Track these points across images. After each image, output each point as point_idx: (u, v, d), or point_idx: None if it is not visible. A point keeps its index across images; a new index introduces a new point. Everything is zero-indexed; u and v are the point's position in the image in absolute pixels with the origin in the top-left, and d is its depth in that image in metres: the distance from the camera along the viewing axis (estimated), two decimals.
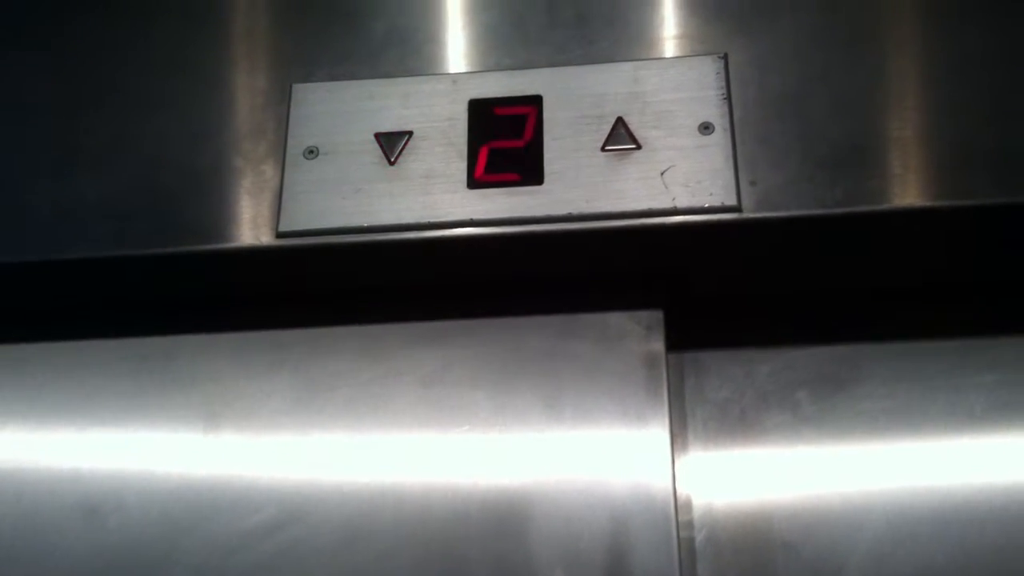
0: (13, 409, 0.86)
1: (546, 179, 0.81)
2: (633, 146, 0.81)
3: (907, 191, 0.78)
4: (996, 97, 0.79)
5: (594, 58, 0.85)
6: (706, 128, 0.81)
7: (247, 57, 0.92)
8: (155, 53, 0.91)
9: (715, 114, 0.81)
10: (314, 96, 0.87)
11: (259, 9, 0.94)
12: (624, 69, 0.84)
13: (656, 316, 0.81)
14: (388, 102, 0.86)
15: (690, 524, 0.78)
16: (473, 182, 0.82)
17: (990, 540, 0.74)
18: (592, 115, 0.83)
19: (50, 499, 0.82)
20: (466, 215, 0.81)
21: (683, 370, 0.83)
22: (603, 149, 0.82)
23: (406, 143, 0.84)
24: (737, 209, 0.78)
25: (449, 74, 0.87)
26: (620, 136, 0.82)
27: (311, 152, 0.85)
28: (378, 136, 0.85)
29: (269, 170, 0.85)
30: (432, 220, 0.81)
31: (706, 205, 0.79)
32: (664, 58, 0.85)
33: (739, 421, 0.81)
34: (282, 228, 0.83)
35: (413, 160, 0.84)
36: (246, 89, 0.90)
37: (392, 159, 0.84)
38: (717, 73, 0.83)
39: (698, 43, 0.85)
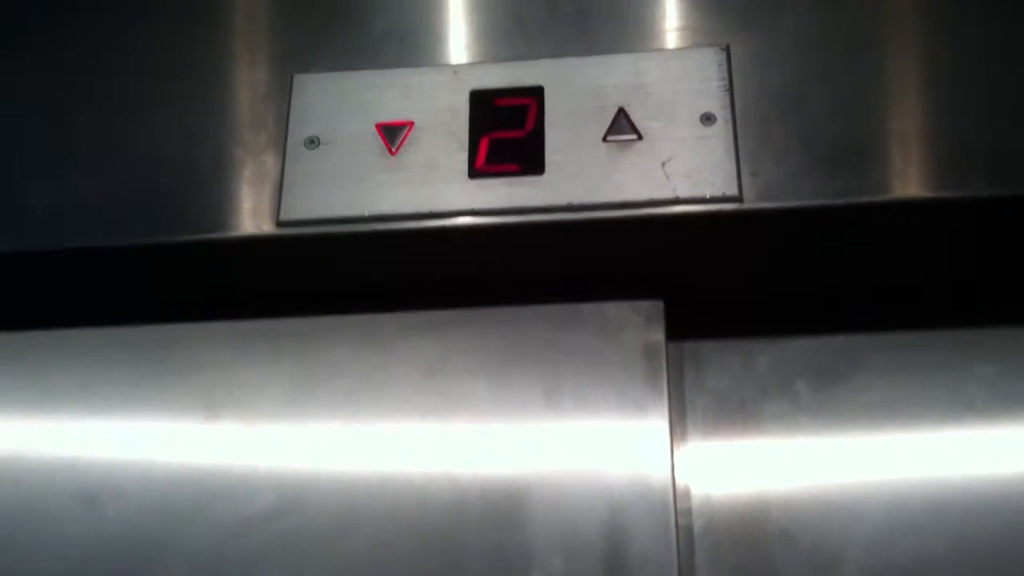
0: (12, 397, 0.86)
1: (547, 169, 0.81)
2: (634, 137, 0.82)
3: (907, 183, 0.79)
4: (995, 93, 0.79)
5: (595, 50, 0.85)
6: (708, 119, 0.81)
7: (248, 48, 0.92)
8: (156, 45, 0.91)
9: (717, 105, 0.82)
10: (315, 87, 0.88)
11: (260, 1, 0.94)
12: (625, 60, 0.85)
13: (656, 306, 0.81)
14: (389, 93, 0.86)
15: (688, 513, 0.78)
16: (474, 172, 0.82)
17: (989, 531, 0.75)
18: (593, 106, 0.83)
19: (49, 487, 0.82)
20: (467, 205, 0.81)
21: (683, 360, 0.83)
22: (604, 140, 0.82)
23: (407, 134, 0.85)
24: (738, 200, 0.78)
25: (450, 65, 0.87)
26: (621, 127, 0.82)
27: (312, 142, 0.86)
28: (379, 127, 0.85)
29: (270, 160, 0.86)
30: (433, 210, 0.82)
31: (707, 196, 0.79)
32: (666, 49, 0.85)
33: (738, 411, 0.81)
34: (283, 217, 0.83)
35: (414, 151, 0.84)
36: (247, 80, 0.90)
37: (393, 150, 0.84)
38: (719, 65, 0.83)
39: (700, 35, 0.85)
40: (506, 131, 0.84)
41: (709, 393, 0.82)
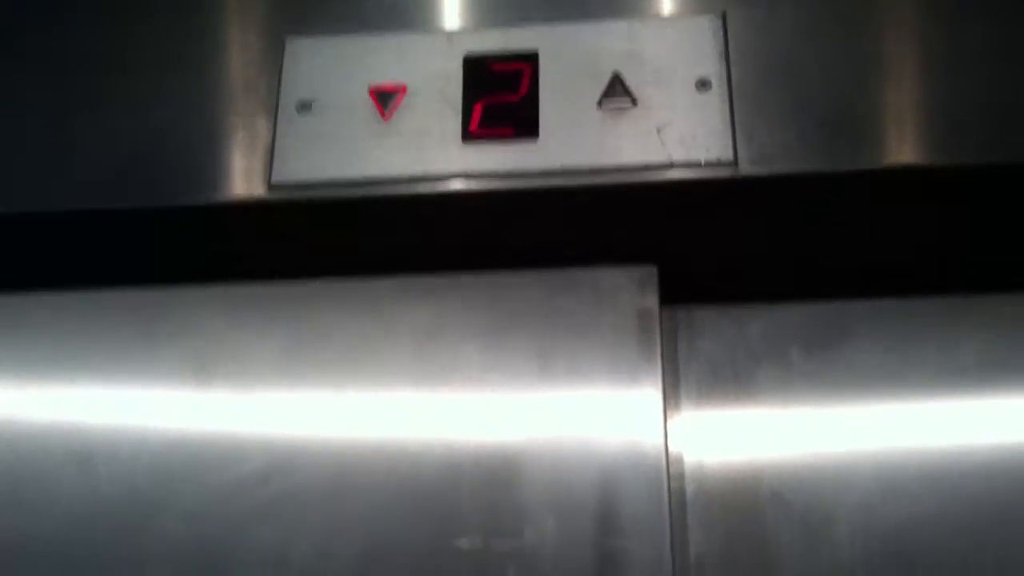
0: (4, 358, 0.85)
1: (541, 134, 0.81)
2: (629, 102, 0.81)
3: (901, 151, 0.79)
4: (989, 62, 0.79)
5: (590, 15, 0.85)
6: (703, 85, 0.81)
7: (240, 12, 0.91)
8: (149, 10, 0.90)
9: (713, 71, 0.81)
10: (308, 50, 0.87)
11: None
12: (621, 26, 0.84)
13: (650, 272, 0.81)
14: (382, 57, 0.86)
15: (681, 477, 0.78)
16: (468, 136, 0.82)
17: (979, 494, 0.75)
18: (588, 71, 0.83)
19: (42, 449, 0.82)
20: (460, 169, 0.81)
21: (677, 326, 0.83)
22: (599, 105, 0.82)
23: (400, 98, 0.84)
24: (733, 166, 0.78)
25: (444, 30, 0.86)
26: (616, 92, 0.82)
27: (304, 107, 0.85)
28: (372, 91, 0.84)
29: (262, 125, 0.85)
30: (426, 174, 0.81)
31: (702, 161, 0.79)
32: (662, 16, 0.85)
33: (732, 376, 0.81)
34: (275, 181, 0.83)
35: (407, 115, 0.83)
36: (239, 44, 0.89)
37: (386, 114, 0.84)
38: (715, 31, 0.83)
39: (696, 2, 0.85)
40: (500, 96, 0.83)
41: (702, 359, 0.82)
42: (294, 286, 0.86)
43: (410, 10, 0.88)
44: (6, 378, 0.85)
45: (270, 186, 0.82)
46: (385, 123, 0.83)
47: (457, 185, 0.81)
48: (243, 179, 0.84)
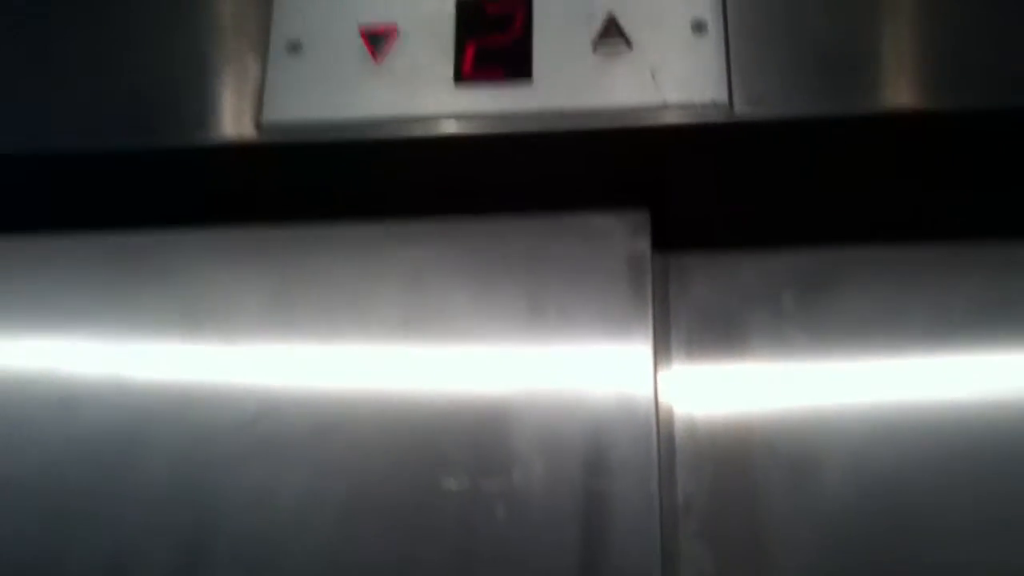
0: None
1: (535, 76, 0.80)
2: (624, 44, 0.80)
3: (899, 95, 0.77)
4: (990, 4, 0.77)
5: None
6: (699, 27, 0.80)
7: None
8: None
9: (709, 13, 0.80)
10: None
11: None
12: None
13: (643, 217, 0.80)
14: None
15: (670, 419, 0.78)
16: (460, 78, 0.80)
17: (968, 440, 0.75)
18: (583, 13, 0.81)
19: (26, 392, 0.82)
20: (452, 110, 0.80)
21: (668, 271, 0.82)
22: (594, 47, 0.80)
23: (391, 39, 0.82)
24: (728, 108, 0.77)
25: None
26: (611, 34, 0.80)
27: (294, 47, 0.83)
28: (362, 31, 0.83)
29: (252, 65, 0.84)
30: (417, 115, 0.80)
31: (697, 103, 0.77)
32: None
33: (723, 322, 0.80)
34: (264, 121, 0.81)
35: (398, 56, 0.82)
36: None
37: (377, 55, 0.82)
38: None
39: None
40: (493, 38, 0.82)
41: (694, 304, 0.81)
42: (282, 230, 0.85)
43: None
44: None
45: (259, 127, 0.81)
46: (376, 64, 0.82)
47: (449, 127, 0.79)
48: (232, 120, 0.83)
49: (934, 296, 0.79)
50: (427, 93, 0.80)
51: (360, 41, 0.82)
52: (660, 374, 0.78)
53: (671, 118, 0.77)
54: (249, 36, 0.85)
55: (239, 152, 0.82)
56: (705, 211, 0.83)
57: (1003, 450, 0.75)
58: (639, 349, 0.77)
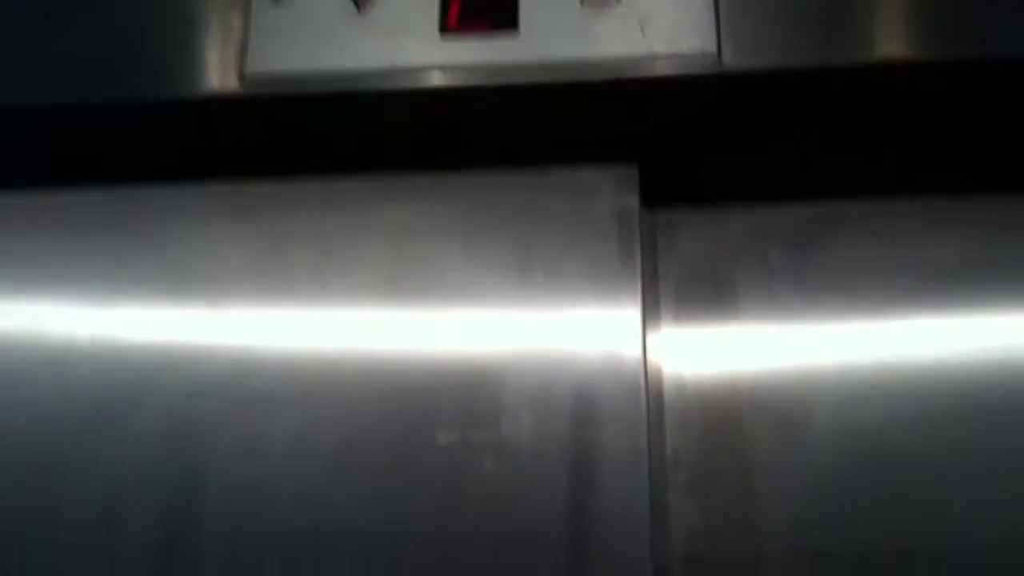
0: None
1: (521, 28, 0.79)
2: None
3: (889, 45, 0.77)
4: None
5: None
6: None
7: None
8: None
9: None
10: None
11: None
12: None
13: (631, 172, 0.79)
14: None
15: (659, 375, 0.77)
16: (445, 29, 0.79)
17: (956, 394, 0.75)
18: None
19: (15, 350, 0.81)
20: (437, 62, 0.79)
21: (656, 226, 0.81)
22: (581, 1, 0.79)
23: None
24: (717, 60, 0.76)
25: None
26: None
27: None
28: None
29: (234, 16, 0.82)
30: (402, 66, 0.79)
31: (685, 54, 0.76)
32: None
33: (711, 278, 0.80)
34: (248, 73, 0.80)
35: (383, 6, 0.81)
36: None
37: (361, 5, 0.81)
38: None
39: None
40: None
41: (682, 260, 0.81)
42: (269, 186, 0.84)
43: None
44: None
45: (242, 79, 0.80)
46: (360, 15, 0.81)
47: (434, 79, 0.79)
48: (215, 72, 0.81)
49: (925, 251, 0.78)
50: (412, 44, 0.79)
51: None
52: (648, 331, 0.77)
53: (659, 69, 0.77)
54: None
55: (223, 104, 0.81)
56: (694, 165, 0.83)
57: (990, 405, 0.75)
58: (627, 306, 0.77)
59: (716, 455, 0.75)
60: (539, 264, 0.79)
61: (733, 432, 0.75)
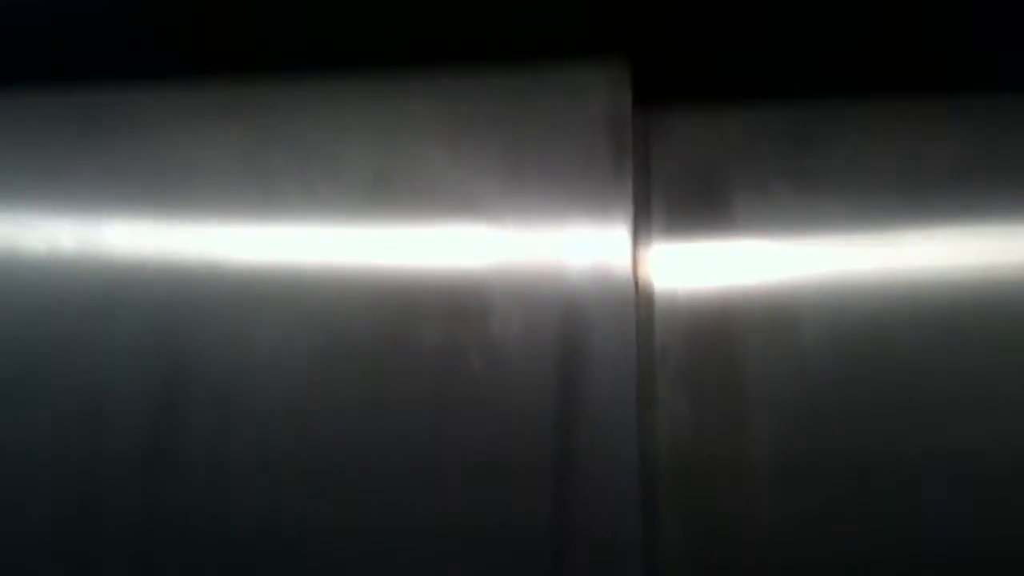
0: None
1: None
2: None
3: None
4: None
5: None
6: None
7: None
8: None
9: None
10: None
11: None
12: None
13: (623, 70, 0.77)
14: None
15: (649, 279, 0.77)
16: None
17: (953, 299, 0.74)
18: None
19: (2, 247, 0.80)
20: None
21: (649, 129, 0.80)
22: None
23: None
24: None
25: None
26: None
27: None
28: None
29: None
30: None
31: None
32: None
33: (706, 183, 0.78)
34: None
35: None
36: None
37: None
38: None
39: None
40: None
41: (676, 165, 0.79)
42: (253, 87, 0.82)
43: None
44: None
45: None
46: None
47: None
48: None
49: (925, 151, 0.77)
50: None
51: None
52: (640, 241, 0.76)
53: None
54: None
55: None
56: (689, 63, 0.81)
57: (986, 312, 0.74)
58: (618, 220, 0.75)
59: (706, 363, 0.74)
60: (527, 170, 0.78)
61: (723, 339, 0.74)
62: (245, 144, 0.81)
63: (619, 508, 0.70)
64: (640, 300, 0.75)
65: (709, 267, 0.77)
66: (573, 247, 0.75)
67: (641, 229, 0.77)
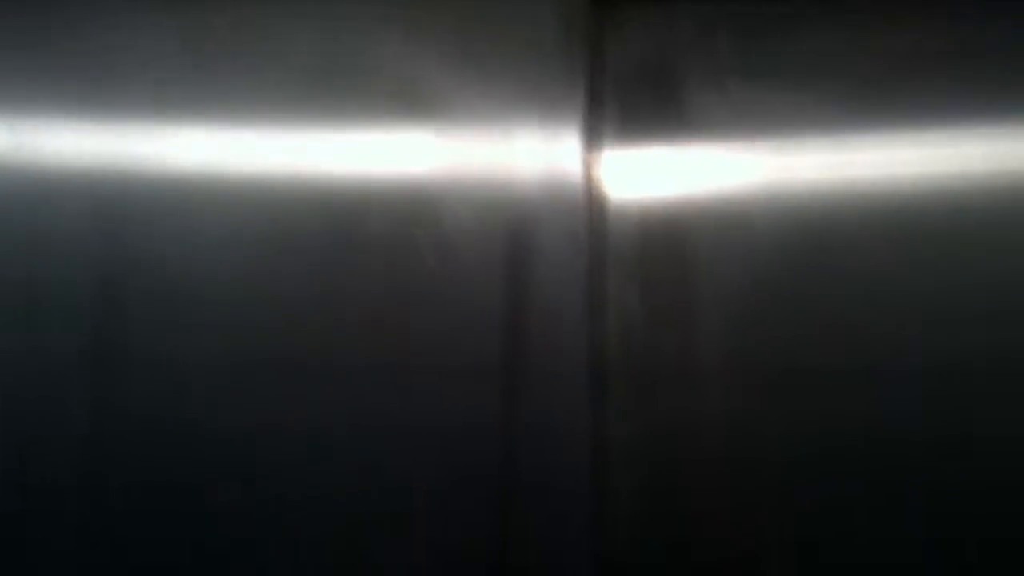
0: None
1: None
2: None
3: None
4: None
5: None
6: None
7: None
8: None
9: None
10: None
11: None
12: None
13: None
14: None
15: (597, 175, 0.76)
16: None
17: (897, 197, 0.74)
18: None
19: None
20: None
21: (603, 23, 0.78)
22: None
23: None
24: None
25: None
26: None
27: None
28: None
29: None
30: None
31: None
32: None
33: (659, 77, 0.78)
34: None
35: None
36: None
37: None
38: None
39: None
40: None
41: (628, 57, 0.78)
42: None
43: None
44: None
45: None
46: None
47: None
48: None
49: (882, 43, 0.76)
50: None
51: None
52: (591, 140, 0.75)
53: None
54: None
55: None
56: None
57: (941, 217, 0.74)
58: (572, 108, 0.75)
59: (657, 251, 0.74)
60: (478, 68, 0.76)
61: (675, 241, 0.74)
62: (191, 32, 0.78)
63: (568, 403, 0.71)
64: (592, 201, 0.74)
65: (662, 168, 0.77)
66: (525, 145, 0.75)
67: (594, 125, 0.76)
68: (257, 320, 0.72)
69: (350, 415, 0.71)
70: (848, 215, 0.74)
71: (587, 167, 0.74)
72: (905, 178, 0.75)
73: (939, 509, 0.71)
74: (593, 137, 0.76)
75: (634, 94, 0.78)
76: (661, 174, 0.77)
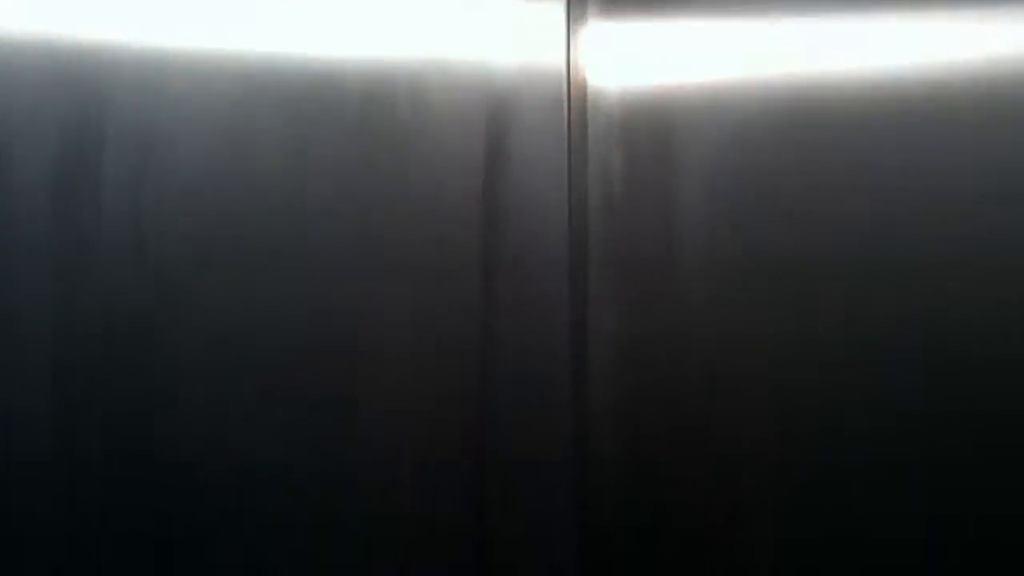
0: None
1: None
2: None
3: None
4: None
5: None
6: None
7: None
8: None
9: None
10: None
11: None
12: None
13: None
14: None
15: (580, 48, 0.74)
16: None
17: (897, 86, 0.72)
18: None
19: None
20: None
21: None
22: None
23: None
24: None
25: None
26: None
27: None
28: None
29: None
30: None
31: None
32: None
33: None
34: None
35: None
36: None
37: None
38: None
39: None
40: None
41: None
42: None
43: None
44: None
45: None
46: None
47: None
48: None
49: None
50: None
51: None
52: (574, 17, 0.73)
53: None
54: None
55: None
56: None
57: (934, 113, 0.72)
58: None
59: (639, 117, 0.72)
60: None
61: (659, 120, 0.72)
62: None
63: (548, 292, 0.69)
64: (573, 73, 0.72)
65: (647, 42, 0.75)
66: (508, 13, 0.72)
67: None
68: (229, 169, 0.71)
69: (322, 301, 0.69)
70: (842, 98, 0.72)
71: (570, 38, 0.72)
72: (899, 67, 0.73)
73: (936, 427, 0.69)
74: (577, 6, 0.74)
75: None
76: (646, 48, 0.75)
